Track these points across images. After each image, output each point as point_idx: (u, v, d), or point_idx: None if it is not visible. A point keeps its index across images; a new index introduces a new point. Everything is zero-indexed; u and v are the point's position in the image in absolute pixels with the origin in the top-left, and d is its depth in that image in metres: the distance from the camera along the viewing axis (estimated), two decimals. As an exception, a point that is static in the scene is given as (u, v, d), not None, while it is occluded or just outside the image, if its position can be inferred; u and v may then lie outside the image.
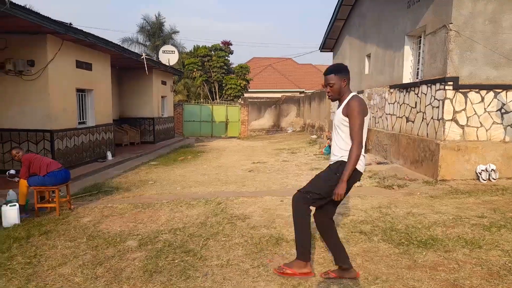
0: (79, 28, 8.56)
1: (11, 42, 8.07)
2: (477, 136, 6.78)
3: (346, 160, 2.86)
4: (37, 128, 8.33)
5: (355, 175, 2.91)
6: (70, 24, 8.34)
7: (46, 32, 8.01)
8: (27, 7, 7.50)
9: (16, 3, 6.45)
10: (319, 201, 2.97)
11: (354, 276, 3.06)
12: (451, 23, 6.62)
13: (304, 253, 3.06)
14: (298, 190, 3.05)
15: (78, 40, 8.84)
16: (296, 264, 3.10)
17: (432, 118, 7.16)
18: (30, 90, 8.21)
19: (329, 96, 3.04)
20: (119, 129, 14.08)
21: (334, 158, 2.99)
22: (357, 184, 6.73)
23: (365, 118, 2.87)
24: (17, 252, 3.87)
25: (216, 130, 21.89)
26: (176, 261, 3.55)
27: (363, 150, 2.88)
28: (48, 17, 7.42)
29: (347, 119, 2.87)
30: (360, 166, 2.91)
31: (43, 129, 8.34)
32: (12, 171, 5.73)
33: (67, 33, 8.09)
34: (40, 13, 7.28)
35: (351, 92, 2.99)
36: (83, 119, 10.06)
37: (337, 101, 3.08)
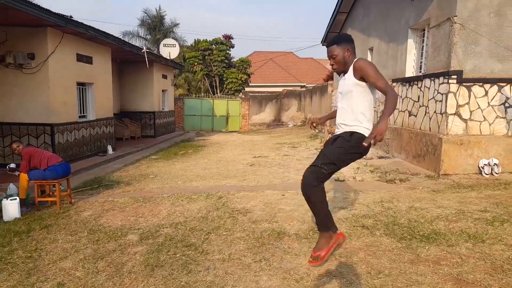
0: (79, 21, 8.50)
1: (12, 35, 8.02)
2: (480, 130, 6.73)
3: (358, 131, 2.65)
4: (38, 122, 8.30)
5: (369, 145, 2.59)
6: (71, 17, 8.27)
7: (46, 25, 7.94)
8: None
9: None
10: (333, 171, 2.69)
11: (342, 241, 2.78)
12: (456, 16, 6.54)
13: (327, 225, 2.69)
14: (312, 164, 2.65)
15: (79, 33, 8.78)
16: (323, 241, 2.66)
17: (435, 112, 7.11)
18: (31, 84, 8.17)
19: (333, 69, 2.86)
20: (119, 123, 14.04)
21: (343, 128, 2.75)
22: (359, 178, 6.80)
23: (362, 81, 2.68)
24: (17, 246, 3.86)
25: (216, 124, 21.84)
26: (177, 255, 3.53)
27: (368, 124, 2.71)
28: (49, 9, 7.36)
29: (362, 82, 2.66)
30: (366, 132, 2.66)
31: (43, 123, 8.31)
32: (13, 165, 5.70)
33: (67, 26, 8.02)
34: (41, 5, 7.21)
35: (354, 57, 2.78)
36: (83, 113, 10.02)
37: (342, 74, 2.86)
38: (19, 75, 8.11)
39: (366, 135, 2.62)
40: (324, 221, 2.69)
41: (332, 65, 2.83)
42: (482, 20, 6.57)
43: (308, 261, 2.73)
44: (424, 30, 8.15)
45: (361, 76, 2.65)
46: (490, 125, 6.74)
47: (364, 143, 2.47)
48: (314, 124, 3.41)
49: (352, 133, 2.68)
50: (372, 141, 2.42)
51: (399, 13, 9.05)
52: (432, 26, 7.41)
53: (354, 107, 2.72)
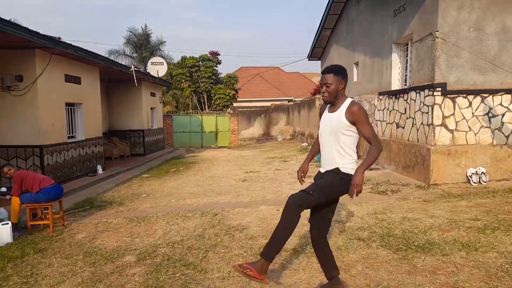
0: (67, 42, 8.53)
1: (-1, 57, 7.99)
2: (466, 140, 6.93)
3: (345, 172, 2.72)
4: (26, 144, 8.21)
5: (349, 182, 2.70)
6: (59, 38, 8.30)
7: (34, 47, 7.94)
8: (14, 21, 7.47)
9: (3, 18, 6.41)
10: (319, 202, 2.71)
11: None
12: (437, 31, 6.80)
13: (270, 253, 2.64)
14: (302, 190, 2.69)
15: (67, 54, 8.79)
16: (260, 264, 2.60)
17: (422, 123, 7.30)
18: (19, 106, 8.11)
19: (323, 97, 2.82)
20: (108, 142, 13.94)
21: (330, 167, 2.79)
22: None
23: (351, 127, 2.76)
24: (12, 272, 3.79)
25: (206, 140, 21.84)
26: (176, 275, 3.52)
27: (356, 156, 2.79)
28: (37, 32, 7.37)
29: (353, 127, 2.71)
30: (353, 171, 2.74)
31: (32, 145, 8.22)
32: (3, 189, 5.63)
33: (56, 48, 8.04)
34: (29, 28, 7.23)
35: (347, 97, 2.80)
36: (72, 133, 9.95)
37: (328, 106, 2.88)
38: (7, 97, 8.05)
39: (352, 174, 2.71)
40: (275, 247, 2.62)
41: (323, 92, 2.80)
42: (462, 34, 6.84)
43: (235, 265, 2.70)
44: (408, 45, 8.42)
45: (353, 121, 2.69)
46: (475, 134, 6.94)
47: (350, 198, 2.66)
48: (303, 178, 3.20)
49: (339, 170, 2.74)
50: (354, 195, 2.61)
51: (382, 28, 9.34)
52: (415, 40, 7.67)
53: (341, 146, 2.75)
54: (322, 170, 2.88)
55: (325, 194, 2.71)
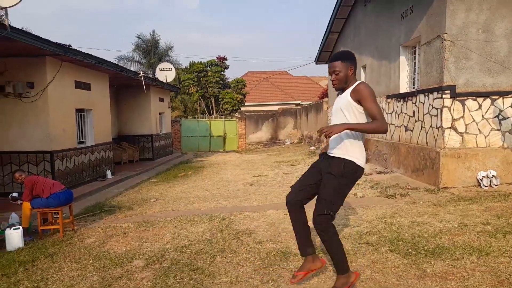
0: (77, 49, 8.67)
1: (11, 65, 8.14)
2: (476, 143, 6.85)
3: (350, 160, 2.69)
4: (37, 150, 8.33)
5: (359, 172, 2.74)
6: (69, 45, 8.44)
7: (45, 54, 8.08)
8: (25, 30, 7.63)
9: (16, 27, 6.55)
10: (338, 208, 2.83)
11: (321, 265, 3.04)
12: (445, 33, 6.76)
13: (344, 267, 2.87)
14: (318, 214, 2.76)
15: (77, 61, 8.93)
16: (341, 281, 2.87)
17: (431, 126, 7.23)
18: (30, 112, 8.25)
19: (333, 85, 2.81)
20: (117, 147, 14.07)
21: (335, 152, 2.77)
22: (360, 194, 6.84)
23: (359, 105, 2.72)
24: (23, 277, 3.84)
25: (214, 145, 21.92)
26: (185, 280, 3.53)
27: (359, 149, 2.75)
28: (48, 39, 7.51)
29: (357, 105, 2.68)
30: (361, 162, 2.74)
31: (43, 150, 8.34)
32: (15, 194, 5.70)
33: (66, 55, 8.17)
34: (40, 36, 7.37)
35: (357, 80, 2.79)
36: (82, 139, 10.07)
37: (339, 92, 2.90)
38: (19, 104, 8.19)
39: (357, 163, 2.71)
40: (342, 263, 2.84)
41: (333, 80, 2.79)
42: (471, 36, 6.79)
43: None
44: (415, 47, 8.37)
45: (358, 99, 2.67)
46: (485, 137, 6.86)
47: (317, 132, 2.61)
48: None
49: (344, 164, 2.71)
50: (319, 133, 2.58)
51: (390, 31, 9.31)
52: (423, 43, 7.62)
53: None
54: (329, 152, 2.84)
55: (338, 199, 2.76)
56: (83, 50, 8.94)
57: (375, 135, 10.55)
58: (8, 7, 6.76)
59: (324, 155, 2.94)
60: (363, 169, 2.78)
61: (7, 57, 8.06)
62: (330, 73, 2.76)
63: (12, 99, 8.16)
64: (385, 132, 2.61)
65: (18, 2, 6.83)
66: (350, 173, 2.70)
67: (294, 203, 3.00)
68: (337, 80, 2.75)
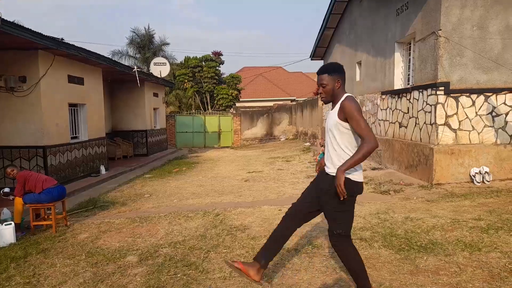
0: (70, 43, 8.56)
1: (2, 59, 8.03)
2: (469, 139, 6.89)
3: (345, 177, 2.60)
4: (30, 145, 8.25)
5: (356, 188, 2.64)
6: (62, 39, 8.33)
7: (37, 48, 7.98)
8: (17, 23, 7.51)
9: (7, 19, 6.44)
10: (350, 221, 2.79)
11: (255, 279, 2.84)
12: (440, 30, 6.77)
13: (365, 285, 2.81)
14: (330, 235, 2.78)
15: (70, 55, 8.82)
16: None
17: (424, 123, 7.26)
18: (22, 107, 8.15)
19: (321, 98, 2.77)
20: (111, 143, 13.98)
21: (330, 170, 2.71)
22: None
23: (345, 123, 2.66)
24: (15, 272, 3.80)
25: (209, 140, 21.86)
26: (178, 275, 3.52)
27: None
28: (40, 33, 7.41)
29: (344, 123, 2.61)
30: (358, 177, 2.65)
31: (35, 145, 8.26)
32: (7, 189, 5.64)
33: (58, 48, 8.07)
34: (32, 29, 7.26)
35: (346, 93, 2.71)
36: (75, 134, 9.99)
37: (330, 104, 2.83)
38: (11, 98, 8.09)
39: (353, 179, 2.62)
40: (362, 280, 2.79)
41: (320, 93, 2.76)
42: (465, 33, 6.81)
43: None
44: (410, 44, 8.38)
45: (345, 117, 2.60)
46: (479, 134, 6.90)
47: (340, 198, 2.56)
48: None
49: (329, 179, 2.67)
50: (341, 197, 2.54)
51: (385, 27, 9.31)
52: (417, 39, 7.63)
53: (337, 148, 2.67)
54: (326, 170, 2.79)
55: (344, 218, 2.72)
56: (77, 44, 8.85)
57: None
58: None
59: (321, 173, 2.87)
60: (361, 183, 2.69)
61: (-2, 50, 7.95)
62: (318, 85, 2.75)
63: (3, 94, 8.06)
64: (376, 147, 2.55)
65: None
66: (347, 190, 2.59)
67: (293, 214, 2.93)
68: (324, 93, 2.73)
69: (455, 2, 6.75)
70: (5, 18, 6.37)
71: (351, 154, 2.62)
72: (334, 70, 2.71)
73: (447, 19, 6.77)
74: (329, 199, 2.68)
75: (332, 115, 2.71)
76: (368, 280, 2.82)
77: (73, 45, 8.63)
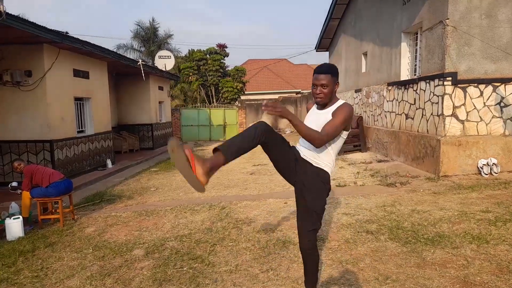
0: (75, 36, 8.55)
1: (8, 53, 8.05)
2: (477, 130, 6.80)
3: (327, 171, 2.55)
4: (37, 139, 8.29)
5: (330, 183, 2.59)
6: (67, 33, 8.32)
7: (42, 42, 7.98)
8: (22, 17, 7.51)
9: (12, 13, 6.44)
10: (321, 214, 2.65)
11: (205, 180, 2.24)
12: (448, 19, 6.64)
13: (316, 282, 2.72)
14: (308, 230, 2.58)
15: (75, 48, 8.82)
16: None
17: (431, 114, 7.18)
18: (28, 101, 8.18)
19: (318, 98, 2.54)
20: (117, 136, 14.03)
21: (311, 160, 2.55)
22: (360, 183, 6.84)
23: (345, 131, 2.57)
24: (23, 266, 3.84)
25: (214, 134, 21.86)
26: (184, 269, 3.54)
27: (334, 158, 2.59)
28: (45, 26, 7.40)
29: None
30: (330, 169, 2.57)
31: (42, 139, 8.30)
32: (14, 183, 5.69)
33: (63, 42, 8.07)
34: (36, 22, 7.26)
35: (339, 98, 2.63)
36: (82, 128, 10.03)
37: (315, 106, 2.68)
38: (17, 92, 8.12)
39: (330, 173, 2.57)
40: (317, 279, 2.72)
41: (318, 93, 2.52)
42: (473, 21, 6.68)
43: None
44: (417, 34, 8.25)
45: (335, 113, 2.50)
46: (487, 125, 6.81)
47: (263, 105, 2.31)
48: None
49: (323, 173, 2.56)
50: (264, 106, 2.29)
51: (391, 17, 9.17)
52: (424, 29, 7.51)
53: (327, 146, 2.53)
54: (301, 154, 2.61)
55: (322, 212, 2.61)
56: (81, 38, 8.84)
57: (375, 123, 10.50)
58: (3, -7, 6.64)
59: (298, 155, 2.64)
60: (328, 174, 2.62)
61: (3, 44, 7.96)
62: (316, 85, 2.52)
63: (10, 88, 8.09)
64: (315, 143, 2.40)
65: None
66: (327, 180, 2.56)
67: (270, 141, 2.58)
68: (323, 94, 2.51)
69: (463, -10, 6.61)
70: (8, 12, 6.37)
71: (332, 156, 2.57)
72: (336, 72, 2.56)
73: (455, 7, 6.64)
74: (320, 192, 2.57)
75: (323, 115, 2.56)
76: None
77: (77, 39, 8.62)
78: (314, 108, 2.73)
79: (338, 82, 2.58)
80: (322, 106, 2.61)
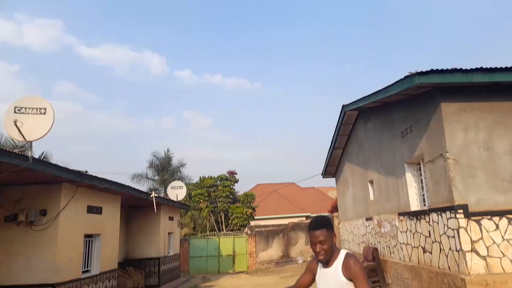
0: (92, 174, 8.95)
1: (27, 193, 8.31)
2: (502, 267, 6.35)
3: None
4: (40, 283, 7.92)
5: None
6: (86, 172, 8.75)
7: (62, 181, 8.31)
8: (43, 157, 8.04)
9: (36, 157, 6.90)
10: None
11: None
12: (447, 152, 6.77)
13: None
14: None
15: (92, 186, 9.13)
16: None
17: (450, 248, 6.85)
18: (38, 241, 8.10)
19: (320, 257, 2.51)
20: (123, 273, 13.41)
21: None
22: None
23: None
24: None
25: (223, 265, 20.85)
26: None
27: None
28: (66, 167, 7.80)
29: (351, 282, 2.46)
30: None
31: (45, 283, 7.92)
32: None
33: (82, 181, 8.39)
34: (58, 164, 7.70)
35: (339, 248, 2.59)
36: (87, 267, 9.69)
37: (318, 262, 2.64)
38: (29, 232, 8.11)
39: None
40: None
41: (319, 251, 2.50)
42: (473, 154, 6.75)
43: None
44: (420, 164, 8.42)
45: (350, 277, 2.47)
46: (511, 261, 6.39)
47: None
48: None
49: None
50: None
51: (392, 148, 9.53)
52: (426, 161, 7.67)
53: None
54: None
55: None
56: (98, 174, 9.23)
57: (392, 255, 10.01)
58: (34, 140, 7.23)
59: None
60: None
61: (24, 185, 8.30)
62: (315, 242, 2.51)
63: (22, 228, 8.12)
64: None
65: (44, 135, 7.30)
66: None
67: None
68: (324, 251, 2.49)
69: (457, 126, 6.82)
70: (34, 157, 6.85)
71: None
72: (330, 224, 2.56)
73: (453, 142, 6.78)
74: None
75: (331, 274, 2.53)
76: None
77: (95, 177, 9.00)
78: (319, 268, 2.66)
79: (334, 233, 2.58)
80: (325, 263, 2.58)
